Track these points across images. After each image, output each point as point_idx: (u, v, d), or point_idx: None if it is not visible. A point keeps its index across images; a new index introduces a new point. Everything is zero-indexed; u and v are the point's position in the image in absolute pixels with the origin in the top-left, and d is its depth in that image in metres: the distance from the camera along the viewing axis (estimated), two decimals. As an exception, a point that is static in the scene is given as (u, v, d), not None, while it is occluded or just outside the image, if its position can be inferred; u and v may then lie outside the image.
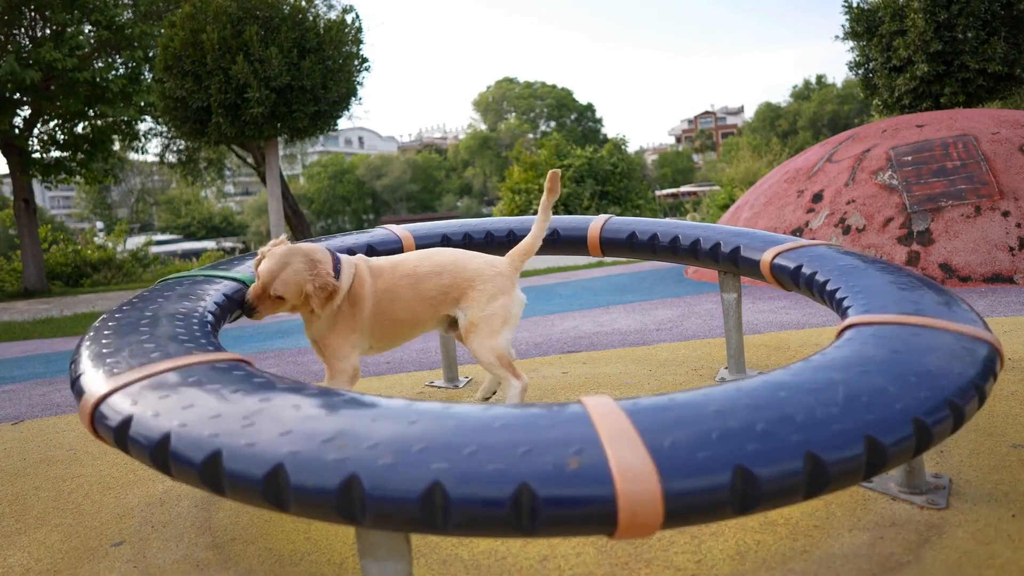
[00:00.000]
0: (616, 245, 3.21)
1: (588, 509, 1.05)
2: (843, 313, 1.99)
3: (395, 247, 3.09)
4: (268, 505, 1.16)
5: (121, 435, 1.36)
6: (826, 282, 2.28)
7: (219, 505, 2.15)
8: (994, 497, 1.81)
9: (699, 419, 1.19)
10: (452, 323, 2.61)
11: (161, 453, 1.27)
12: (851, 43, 10.60)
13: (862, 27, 10.24)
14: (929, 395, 1.35)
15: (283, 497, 1.14)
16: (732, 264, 2.91)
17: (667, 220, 3.34)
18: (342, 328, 2.36)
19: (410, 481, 1.07)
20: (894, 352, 1.50)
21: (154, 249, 26.71)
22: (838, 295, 2.12)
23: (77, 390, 1.54)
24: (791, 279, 2.57)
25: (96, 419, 1.44)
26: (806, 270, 2.47)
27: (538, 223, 2.58)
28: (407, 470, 1.08)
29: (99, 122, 16.66)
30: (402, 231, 3.19)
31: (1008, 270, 5.42)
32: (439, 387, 3.51)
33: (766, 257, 2.73)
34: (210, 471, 1.20)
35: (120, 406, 1.40)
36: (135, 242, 26.40)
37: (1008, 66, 9.16)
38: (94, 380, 1.52)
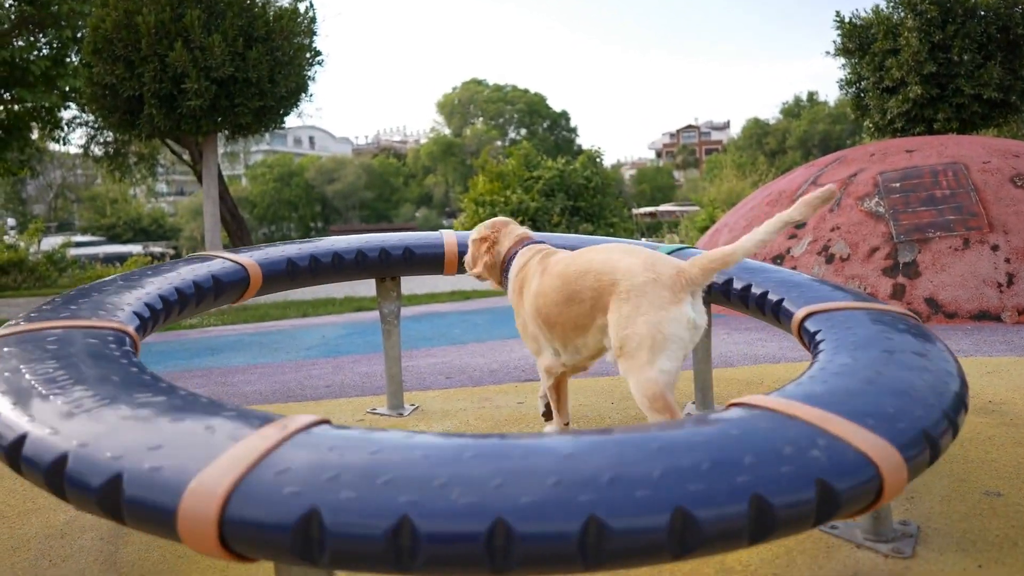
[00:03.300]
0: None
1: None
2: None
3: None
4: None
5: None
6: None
7: (127, 538, 2.13)
8: (962, 546, 1.88)
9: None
10: None
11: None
12: (843, 60, 10.92)
13: (854, 44, 10.55)
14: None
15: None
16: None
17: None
18: (522, 322, 2.57)
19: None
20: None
21: (73, 251, 26.17)
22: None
23: None
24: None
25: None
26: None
27: (764, 229, 2.16)
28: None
29: (16, 107, 16.34)
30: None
31: (996, 307, 5.61)
32: (381, 414, 3.51)
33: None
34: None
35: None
36: (51, 243, 25.84)
37: (1003, 92, 9.52)
38: None
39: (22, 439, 1.36)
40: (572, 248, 2.60)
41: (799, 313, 2.38)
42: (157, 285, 2.42)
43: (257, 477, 1.16)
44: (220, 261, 2.82)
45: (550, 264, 2.44)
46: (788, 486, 1.21)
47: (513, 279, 2.59)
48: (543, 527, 1.09)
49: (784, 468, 1.24)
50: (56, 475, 1.28)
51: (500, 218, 2.77)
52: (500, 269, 2.69)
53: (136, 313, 2.13)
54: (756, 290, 2.72)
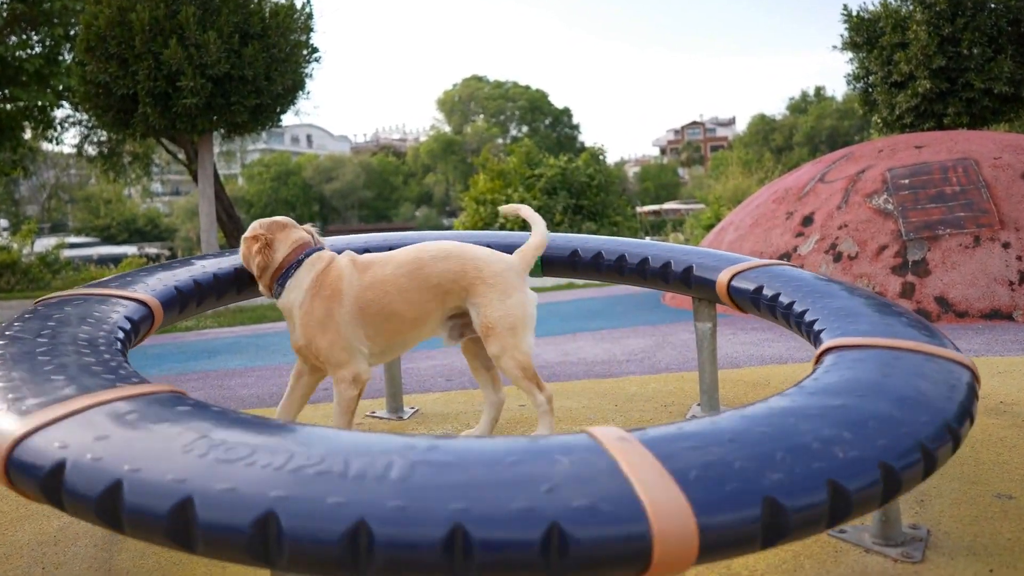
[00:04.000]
0: None
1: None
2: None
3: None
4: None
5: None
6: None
7: (121, 545, 2.13)
8: (973, 550, 1.88)
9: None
10: (456, 329, 2.64)
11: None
12: (850, 54, 10.92)
13: (862, 38, 10.55)
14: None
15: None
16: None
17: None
18: (324, 331, 2.44)
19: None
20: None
21: (67, 253, 26.20)
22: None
23: None
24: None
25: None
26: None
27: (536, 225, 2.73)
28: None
29: (9, 106, 16.36)
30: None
31: (1007, 306, 5.60)
32: (381, 418, 3.51)
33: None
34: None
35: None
36: (45, 244, 25.87)
37: (1014, 87, 9.51)
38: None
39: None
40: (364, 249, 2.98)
41: (820, 348, 2.04)
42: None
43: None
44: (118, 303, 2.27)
45: (374, 264, 2.53)
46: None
47: (309, 288, 2.47)
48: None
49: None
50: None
51: (279, 218, 2.63)
52: (273, 276, 2.55)
53: None
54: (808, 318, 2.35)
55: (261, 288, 2.61)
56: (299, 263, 2.52)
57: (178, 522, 1.15)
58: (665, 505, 1.13)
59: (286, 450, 1.22)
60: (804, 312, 2.31)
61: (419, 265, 2.51)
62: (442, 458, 1.19)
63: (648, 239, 21.70)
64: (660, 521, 1.11)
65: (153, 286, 2.47)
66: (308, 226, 2.66)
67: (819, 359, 1.89)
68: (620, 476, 1.16)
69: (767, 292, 2.63)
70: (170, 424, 1.34)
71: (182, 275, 2.64)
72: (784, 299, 2.52)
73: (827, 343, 1.94)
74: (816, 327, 2.14)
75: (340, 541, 1.08)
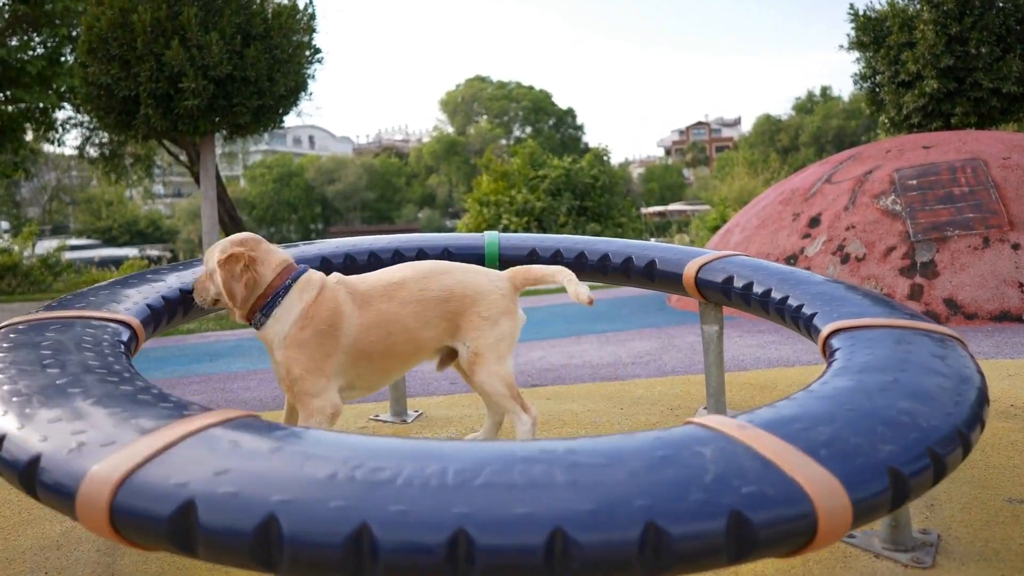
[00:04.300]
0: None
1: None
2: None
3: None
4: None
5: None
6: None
7: (124, 550, 2.13)
8: (984, 556, 1.87)
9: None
10: (446, 356, 2.60)
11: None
12: (857, 54, 10.89)
13: (869, 37, 10.53)
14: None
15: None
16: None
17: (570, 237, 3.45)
18: (307, 357, 2.26)
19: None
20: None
21: (68, 255, 26.24)
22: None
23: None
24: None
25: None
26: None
27: (554, 272, 2.62)
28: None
29: (10, 108, 16.41)
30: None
31: (1017, 308, 5.58)
32: (385, 421, 3.52)
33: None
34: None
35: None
36: (46, 246, 25.92)
37: (1023, 86, 9.48)
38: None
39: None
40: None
41: (825, 330, 2.19)
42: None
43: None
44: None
45: (374, 298, 2.37)
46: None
47: (299, 318, 2.26)
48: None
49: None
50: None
51: (248, 234, 2.36)
52: (257, 303, 2.30)
53: None
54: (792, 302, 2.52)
55: (236, 315, 2.33)
56: (286, 288, 2.29)
57: (351, 550, 1.09)
58: (820, 484, 1.22)
59: (475, 465, 1.18)
60: (785, 298, 2.51)
61: (423, 304, 2.42)
62: (594, 460, 1.21)
63: (653, 240, 21.69)
64: (821, 500, 1.20)
65: (127, 305, 2.35)
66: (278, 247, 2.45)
67: (826, 341, 2.04)
68: (766, 462, 1.24)
69: (738, 282, 2.80)
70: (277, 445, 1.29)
71: (150, 291, 2.53)
72: (758, 288, 2.69)
73: (831, 326, 2.09)
74: (805, 311, 2.32)
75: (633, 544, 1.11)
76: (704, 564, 1.13)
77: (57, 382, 1.60)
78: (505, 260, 3.28)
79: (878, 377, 1.63)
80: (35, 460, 1.33)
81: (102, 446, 1.30)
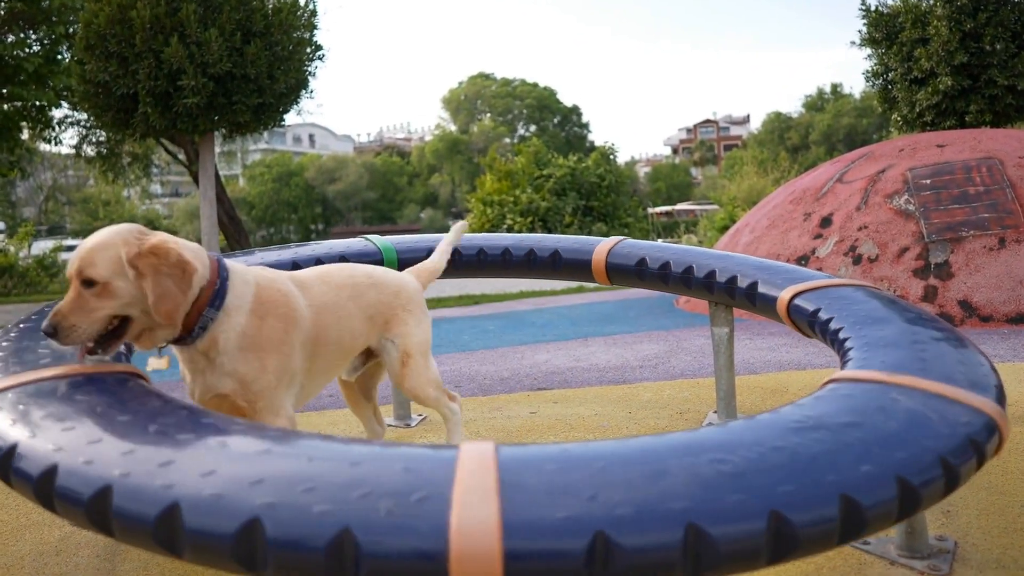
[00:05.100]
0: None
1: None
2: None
3: None
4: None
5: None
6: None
7: (124, 555, 2.14)
8: (1002, 563, 1.87)
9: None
10: (360, 362, 2.52)
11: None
12: (869, 50, 10.88)
13: (881, 33, 10.51)
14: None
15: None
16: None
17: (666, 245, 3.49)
18: (273, 357, 1.91)
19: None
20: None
21: (65, 256, 26.29)
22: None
23: None
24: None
25: None
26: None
27: (443, 245, 2.76)
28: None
29: (6, 106, 16.46)
30: None
31: (1034, 310, 5.56)
32: (388, 426, 3.51)
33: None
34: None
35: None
36: (42, 247, 25.99)
37: (1040, 83, 9.46)
38: None
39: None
40: None
41: (785, 295, 2.66)
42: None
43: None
44: None
45: (310, 283, 2.11)
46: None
47: (254, 303, 1.89)
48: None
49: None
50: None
51: (133, 225, 1.83)
52: (198, 304, 1.82)
53: None
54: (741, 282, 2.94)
55: (158, 338, 1.82)
56: (224, 281, 1.86)
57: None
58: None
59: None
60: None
61: (358, 291, 2.24)
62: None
63: (660, 241, 21.68)
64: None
65: None
66: None
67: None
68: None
69: (651, 264, 3.21)
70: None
71: None
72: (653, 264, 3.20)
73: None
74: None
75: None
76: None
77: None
78: (455, 261, 3.35)
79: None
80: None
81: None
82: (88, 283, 1.69)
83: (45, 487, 1.30)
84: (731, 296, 3.01)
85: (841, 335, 2.33)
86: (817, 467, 1.24)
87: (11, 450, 1.39)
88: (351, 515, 1.08)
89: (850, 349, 2.14)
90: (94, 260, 1.70)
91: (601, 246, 3.37)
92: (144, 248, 1.73)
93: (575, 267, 3.41)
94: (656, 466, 1.19)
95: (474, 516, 1.07)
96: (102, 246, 1.72)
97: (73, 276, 1.71)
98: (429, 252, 3.25)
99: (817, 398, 1.55)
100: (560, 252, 3.40)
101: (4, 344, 1.89)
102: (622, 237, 3.44)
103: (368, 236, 3.44)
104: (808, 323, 2.64)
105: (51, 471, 1.30)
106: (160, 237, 1.78)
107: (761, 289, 2.89)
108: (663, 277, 3.19)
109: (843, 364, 2.08)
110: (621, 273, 3.31)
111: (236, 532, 1.10)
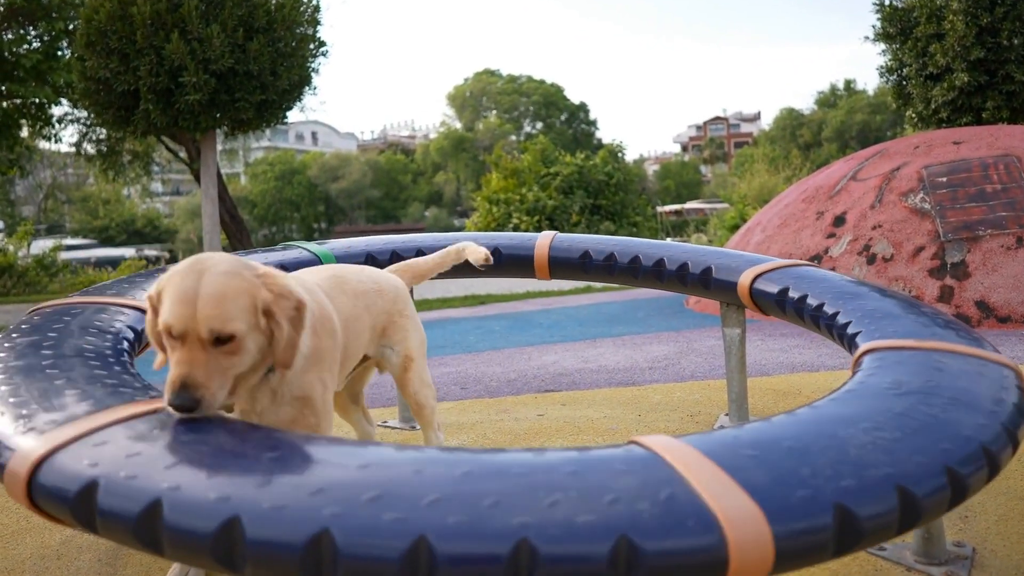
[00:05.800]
0: None
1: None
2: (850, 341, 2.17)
3: None
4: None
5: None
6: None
7: (126, 559, 2.14)
8: (1022, 570, 1.86)
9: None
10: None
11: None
12: (883, 46, 10.85)
13: (895, 28, 10.48)
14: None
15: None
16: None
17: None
18: (328, 373, 1.80)
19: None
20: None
21: (64, 255, 26.40)
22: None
23: None
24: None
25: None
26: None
27: (443, 254, 2.70)
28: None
29: (5, 103, 16.52)
30: None
31: (1052, 311, 5.54)
32: (394, 427, 3.52)
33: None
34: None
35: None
36: (41, 246, 26.08)
37: (1058, 79, 9.42)
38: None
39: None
40: None
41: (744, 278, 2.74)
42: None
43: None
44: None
45: (324, 287, 1.96)
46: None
47: (313, 331, 1.71)
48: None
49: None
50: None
51: (234, 257, 1.60)
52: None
53: None
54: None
55: (252, 381, 1.61)
56: None
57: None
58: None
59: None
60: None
61: (369, 299, 2.16)
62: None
63: (669, 240, 21.64)
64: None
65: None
66: None
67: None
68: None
69: (595, 257, 3.26)
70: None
71: None
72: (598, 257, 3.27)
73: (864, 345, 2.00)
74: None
75: None
76: None
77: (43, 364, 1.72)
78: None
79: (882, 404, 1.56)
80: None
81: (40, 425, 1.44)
82: (221, 340, 1.45)
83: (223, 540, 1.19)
84: (683, 283, 3.08)
85: (827, 310, 2.41)
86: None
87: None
88: (624, 522, 1.11)
89: (848, 323, 2.23)
90: (229, 313, 1.45)
91: (541, 240, 3.41)
92: (275, 292, 1.53)
93: (516, 263, 3.42)
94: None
95: (731, 505, 1.15)
96: (233, 294, 1.47)
97: (196, 333, 1.44)
98: (366, 256, 3.28)
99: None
100: (500, 249, 3.38)
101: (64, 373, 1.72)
102: (556, 232, 3.50)
103: (301, 244, 3.30)
104: (776, 303, 2.71)
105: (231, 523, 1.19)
106: (272, 274, 1.57)
107: (717, 274, 2.96)
108: (608, 268, 3.25)
109: (850, 337, 2.15)
110: (564, 267, 3.36)
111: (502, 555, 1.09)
